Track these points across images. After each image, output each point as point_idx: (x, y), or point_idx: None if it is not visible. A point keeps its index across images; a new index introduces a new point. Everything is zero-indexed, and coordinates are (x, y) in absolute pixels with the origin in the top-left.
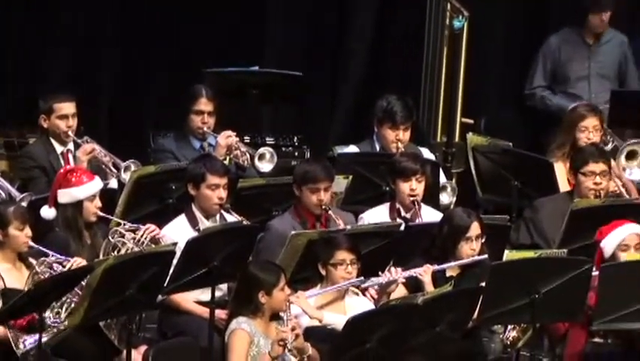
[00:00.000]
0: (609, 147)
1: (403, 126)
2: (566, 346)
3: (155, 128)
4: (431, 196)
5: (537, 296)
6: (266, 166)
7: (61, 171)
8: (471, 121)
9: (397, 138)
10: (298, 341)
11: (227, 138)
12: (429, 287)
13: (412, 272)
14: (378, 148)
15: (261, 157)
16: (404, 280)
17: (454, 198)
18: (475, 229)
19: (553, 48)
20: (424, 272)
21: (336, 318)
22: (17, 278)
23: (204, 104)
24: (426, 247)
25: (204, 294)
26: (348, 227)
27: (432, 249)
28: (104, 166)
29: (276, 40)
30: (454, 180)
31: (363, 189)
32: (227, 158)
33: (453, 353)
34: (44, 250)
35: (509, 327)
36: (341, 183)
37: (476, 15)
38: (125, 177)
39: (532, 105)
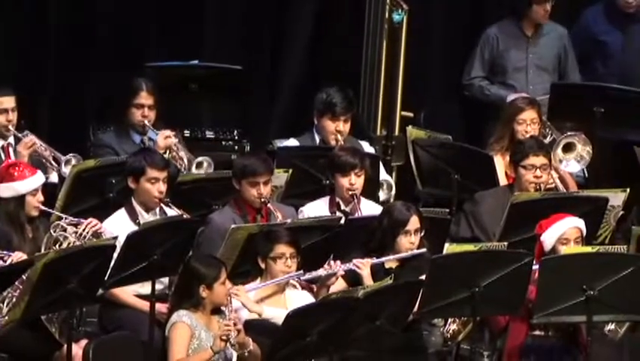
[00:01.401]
0: (548, 139)
1: (342, 117)
2: (507, 339)
3: (97, 122)
4: (371, 190)
5: (477, 289)
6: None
7: (3, 165)
8: (410, 114)
9: (337, 129)
10: (240, 335)
11: (166, 138)
12: (368, 281)
13: (351, 265)
14: (318, 141)
15: (199, 165)
16: (343, 273)
17: (391, 195)
18: (414, 222)
19: (491, 39)
20: (363, 265)
21: (276, 312)
22: None
23: (144, 98)
24: (365, 240)
25: (144, 287)
26: (289, 221)
27: (370, 242)
28: (44, 160)
29: (216, 34)
30: (393, 174)
31: (303, 182)
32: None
33: (393, 347)
34: None
35: (450, 320)
36: (281, 177)
37: (416, 8)
38: (66, 170)
39: (470, 95)
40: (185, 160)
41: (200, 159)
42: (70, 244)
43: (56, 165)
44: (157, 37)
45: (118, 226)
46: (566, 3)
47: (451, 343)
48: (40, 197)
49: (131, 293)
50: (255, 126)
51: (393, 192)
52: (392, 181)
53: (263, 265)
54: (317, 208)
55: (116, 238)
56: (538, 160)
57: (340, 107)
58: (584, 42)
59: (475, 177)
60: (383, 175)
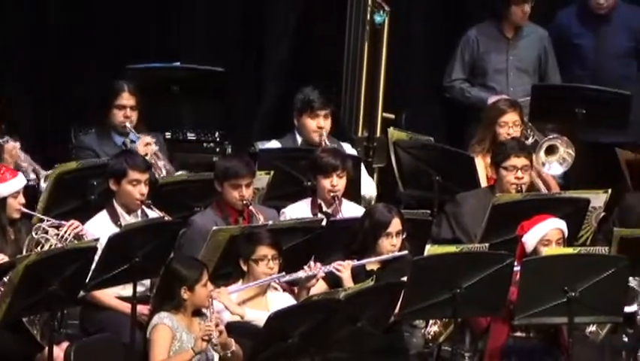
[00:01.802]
0: (529, 141)
1: (322, 113)
2: (488, 340)
3: (79, 124)
4: (352, 191)
5: (459, 291)
6: None
7: None
8: (392, 116)
9: (318, 126)
10: (222, 336)
11: (146, 145)
12: (348, 283)
13: (332, 267)
14: (299, 142)
15: None
16: (324, 275)
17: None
18: (395, 225)
19: (471, 41)
20: (344, 268)
21: (258, 314)
22: None
23: (126, 99)
24: (347, 242)
25: (126, 289)
26: (270, 222)
27: (352, 244)
28: (22, 170)
29: (198, 36)
30: (375, 175)
31: (285, 184)
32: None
33: (375, 348)
34: None
35: (431, 322)
36: (262, 178)
37: (397, 10)
38: (44, 186)
39: (451, 97)
40: (164, 171)
41: (180, 173)
42: (52, 246)
43: (35, 178)
44: (140, 39)
45: (99, 228)
46: (545, 4)
47: (433, 344)
48: (21, 199)
49: (112, 295)
50: (236, 128)
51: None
52: (373, 194)
53: (245, 267)
54: (299, 210)
55: (97, 240)
56: (520, 161)
57: (318, 102)
58: (558, 44)
59: (456, 178)
60: (365, 189)
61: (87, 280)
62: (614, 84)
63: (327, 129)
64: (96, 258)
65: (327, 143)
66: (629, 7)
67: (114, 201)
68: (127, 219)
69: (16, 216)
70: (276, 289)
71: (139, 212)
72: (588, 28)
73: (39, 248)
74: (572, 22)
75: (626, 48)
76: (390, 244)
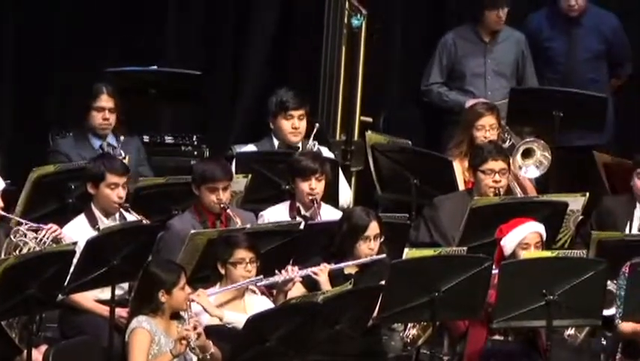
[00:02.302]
0: (507, 144)
1: (296, 113)
2: (467, 344)
3: (57, 127)
4: (330, 195)
5: (437, 294)
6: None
7: None
8: (370, 119)
9: (294, 126)
10: (200, 339)
11: None
12: (325, 286)
13: (309, 271)
14: (276, 145)
15: None
16: (301, 279)
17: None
18: (373, 228)
19: (449, 45)
20: (321, 271)
21: (237, 317)
22: None
23: (105, 101)
24: (325, 245)
25: (104, 293)
26: (248, 226)
27: (330, 247)
28: None
29: (175, 39)
30: (353, 179)
31: (263, 187)
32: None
33: (353, 352)
34: None
35: (409, 325)
36: (240, 182)
37: (375, 13)
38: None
39: (429, 101)
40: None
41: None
42: (30, 250)
43: None
44: (118, 39)
45: (77, 232)
46: (521, 7)
47: (411, 348)
48: None
49: (90, 299)
50: (214, 132)
51: None
52: (349, 201)
53: (222, 271)
54: (277, 213)
55: (75, 243)
56: (497, 165)
57: (292, 102)
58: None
59: (434, 181)
60: (341, 195)
61: (65, 284)
62: (584, 87)
63: (303, 130)
64: (74, 261)
65: (312, 144)
66: (598, 10)
67: (92, 204)
68: (105, 222)
69: None
70: (254, 292)
71: (117, 215)
72: (559, 31)
73: (17, 251)
74: (542, 25)
75: (596, 51)
76: (368, 248)
